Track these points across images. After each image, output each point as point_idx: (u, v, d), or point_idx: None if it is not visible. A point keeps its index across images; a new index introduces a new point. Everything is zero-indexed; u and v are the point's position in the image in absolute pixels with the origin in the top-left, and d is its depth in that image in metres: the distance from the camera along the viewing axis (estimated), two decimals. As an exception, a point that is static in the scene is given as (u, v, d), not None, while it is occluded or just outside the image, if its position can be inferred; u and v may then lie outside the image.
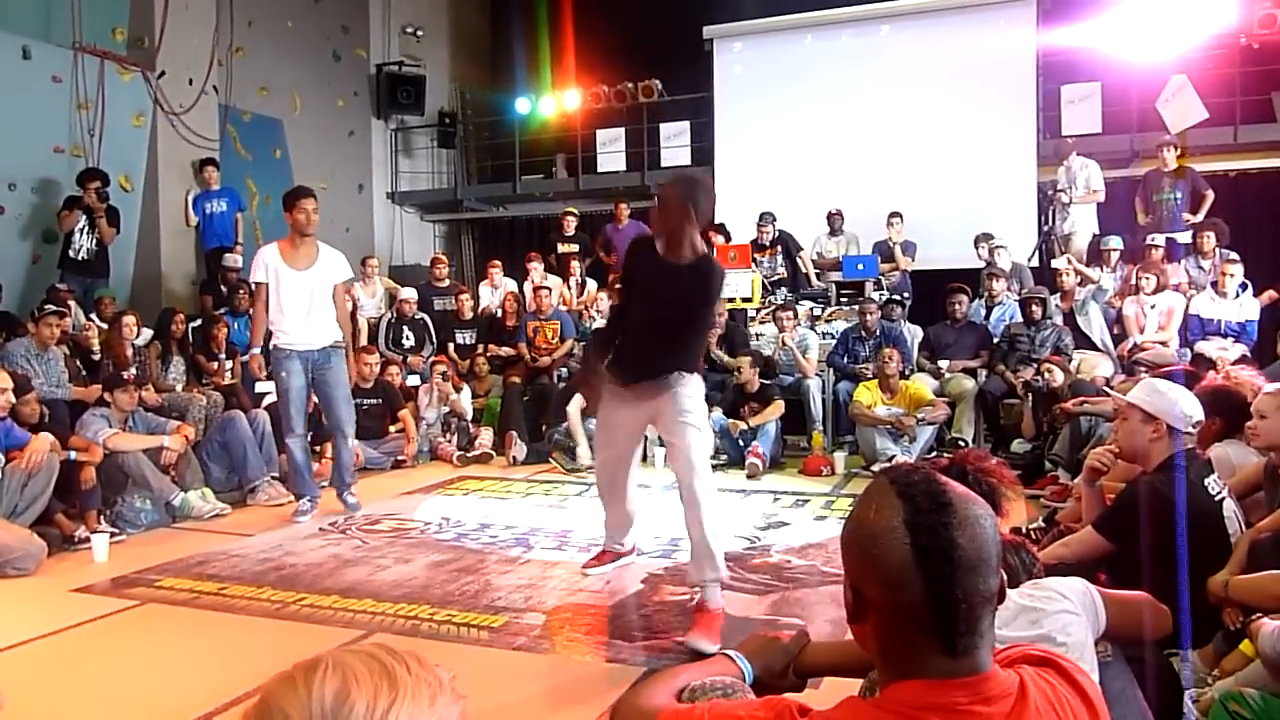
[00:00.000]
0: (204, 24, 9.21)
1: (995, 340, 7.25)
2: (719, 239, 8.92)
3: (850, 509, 1.16)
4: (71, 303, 7.04)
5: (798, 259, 9.11)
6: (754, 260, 8.84)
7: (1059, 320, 7.20)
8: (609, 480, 3.77)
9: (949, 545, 1.03)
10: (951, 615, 1.03)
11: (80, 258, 7.75)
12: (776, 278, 9.02)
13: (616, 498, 3.82)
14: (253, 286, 5.42)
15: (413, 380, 7.83)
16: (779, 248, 9.13)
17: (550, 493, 6.10)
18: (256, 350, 5.46)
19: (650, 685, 1.40)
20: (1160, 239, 7.65)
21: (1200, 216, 8.04)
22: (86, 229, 7.74)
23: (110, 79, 8.48)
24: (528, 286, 9.16)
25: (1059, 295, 7.46)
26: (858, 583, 1.10)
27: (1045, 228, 8.61)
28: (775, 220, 9.15)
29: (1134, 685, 1.86)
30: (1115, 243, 7.93)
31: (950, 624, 1.04)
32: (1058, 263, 7.72)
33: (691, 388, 3.46)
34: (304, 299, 5.24)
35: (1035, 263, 8.62)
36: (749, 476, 6.43)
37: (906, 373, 7.02)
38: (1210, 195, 8.13)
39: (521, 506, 5.68)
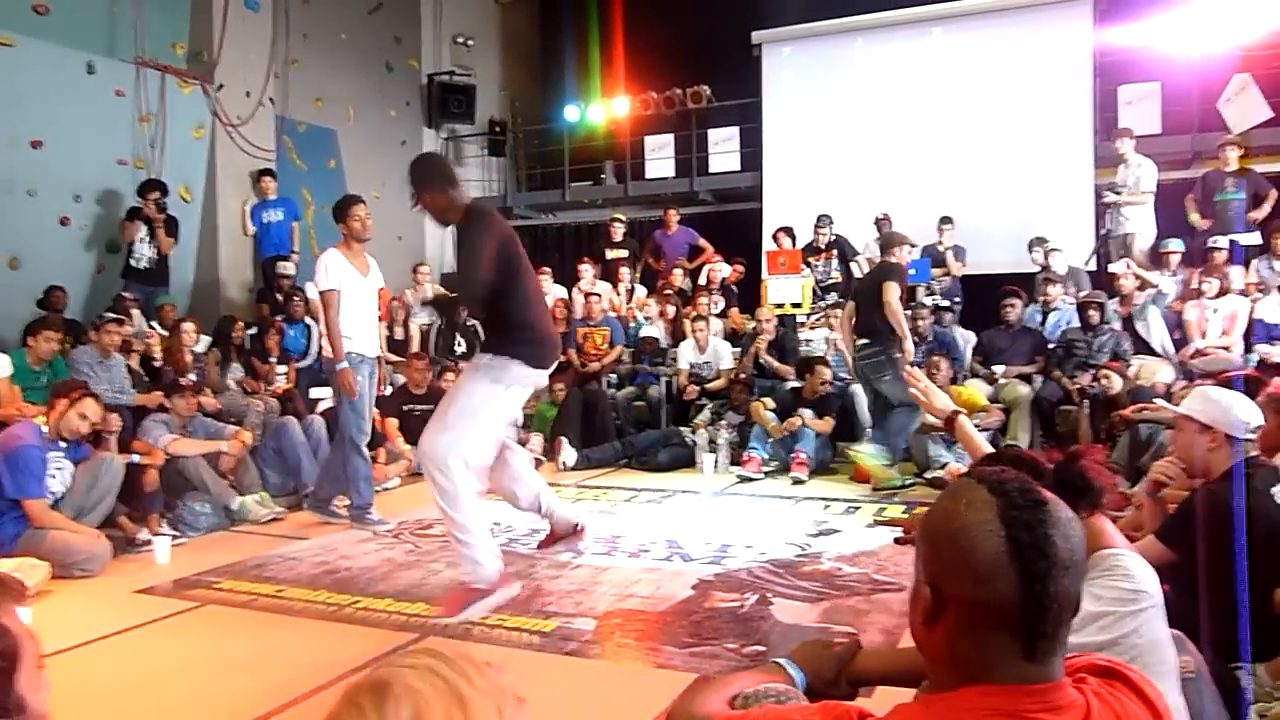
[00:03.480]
0: (261, 37, 9.42)
1: (1051, 346, 7.12)
2: (786, 241, 8.90)
3: (931, 507, 1.14)
4: (135, 311, 7.24)
5: (852, 264, 9.02)
6: (807, 263, 8.79)
7: (1117, 325, 7.05)
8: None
9: (1045, 541, 1.02)
10: (1041, 615, 1.01)
11: (141, 267, 7.96)
12: (830, 282, 8.92)
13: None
14: (318, 294, 5.34)
15: (464, 386, 7.89)
16: (834, 251, 9.03)
17: (600, 498, 6.11)
18: (346, 365, 5.12)
19: (701, 692, 1.39)
20: (1223, 241, 7.45)
21: (1263, 214, 7.82)
22: (147, 239, 7.95)
23: (171, 92, 8.71)
24: (577, 292, 9.21)
25: (1117, 300, 7.30)
26: (939, 579, 1.07)
27: (1103, 231, 8.44)
28: (833, 223, 9.05)
29: (1217, 700, 1.80)
30: (1176, 245, 7.74)
31: (1037, 624, 1.02)
32: (1115, 266, 7.56)
33: (477, 372, 3.60)
34: (368, 304, 5.30)
35: (1093, 266, 8.45)
36: (795, 483, 6.39)
37: (960, 379, 6.92)
38: (1274, 195, 7.90)
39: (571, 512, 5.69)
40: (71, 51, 7.97)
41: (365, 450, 5.36)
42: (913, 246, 7.43)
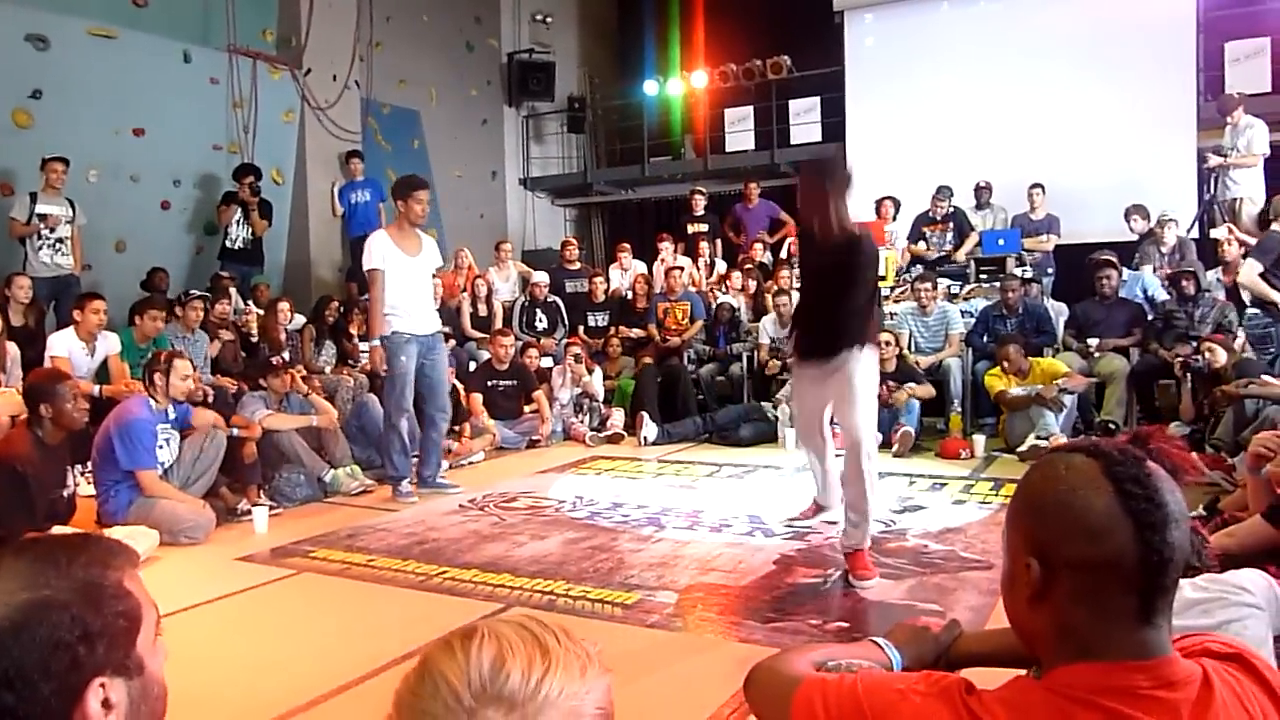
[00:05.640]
0: (345, 21, 9.61)
1: (1150, 318, 6.85)
2: (890, 208, 8.77)
3: (1025, 480, 1.11)
4: (232, 290, 7.51)
5: (966, 239, 8.76)
6: (923, 234, 8.63)
7: (1221, 295, 6.74)
8: (807, 442, 4.11)
9: (1156, 493, 1.01)
10: (1161, 566, 1.00)
11: (237, 248, 8.25)
12: (942, 254, 8.70)
13: (816, 457, 4.14)
14: (366, 274, 5.42)
15: (546, 362, 8.00)
16: (950, 224, 8.79)
17: (681, 473, 6.13)
18: (378, 342, 5.38)
19: (787, 654, 1.39)
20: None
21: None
22: (242, 221, 8.22)
23: (262, 78, 8.97)
24: (658, 266, 9.20)
25: (1220, 268, 6.97)
26: (1045, 548, 1.04)
27: (1207, 196, 8.05)
28: (953, 195, 8.82)
29: None
30: (1287, 211, 7.33)
31: (1157, 577, 1.00)
32: (1218, 232, 7.21)
33: (861, 364, 3.64)
34: (416, 284, 5.40)
35: (1195, 234, 8.08)
36: (896, 455, 6.31)
37: (1049, 352, 6.74)
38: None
39: (653, 486, 5.74)
40: (168, 42, 8.27)
41: (402, 425, 5.45)
42: None
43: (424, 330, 5.43)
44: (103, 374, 5.67)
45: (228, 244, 8.24)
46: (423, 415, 5.63)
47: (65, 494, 4.26)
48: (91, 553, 0.94)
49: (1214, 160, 7.86)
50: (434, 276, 5.76)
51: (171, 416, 4.81)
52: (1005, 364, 6.40)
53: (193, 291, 6.78)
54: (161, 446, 4.70)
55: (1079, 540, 1.02)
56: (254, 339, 7.09)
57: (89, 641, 0.88)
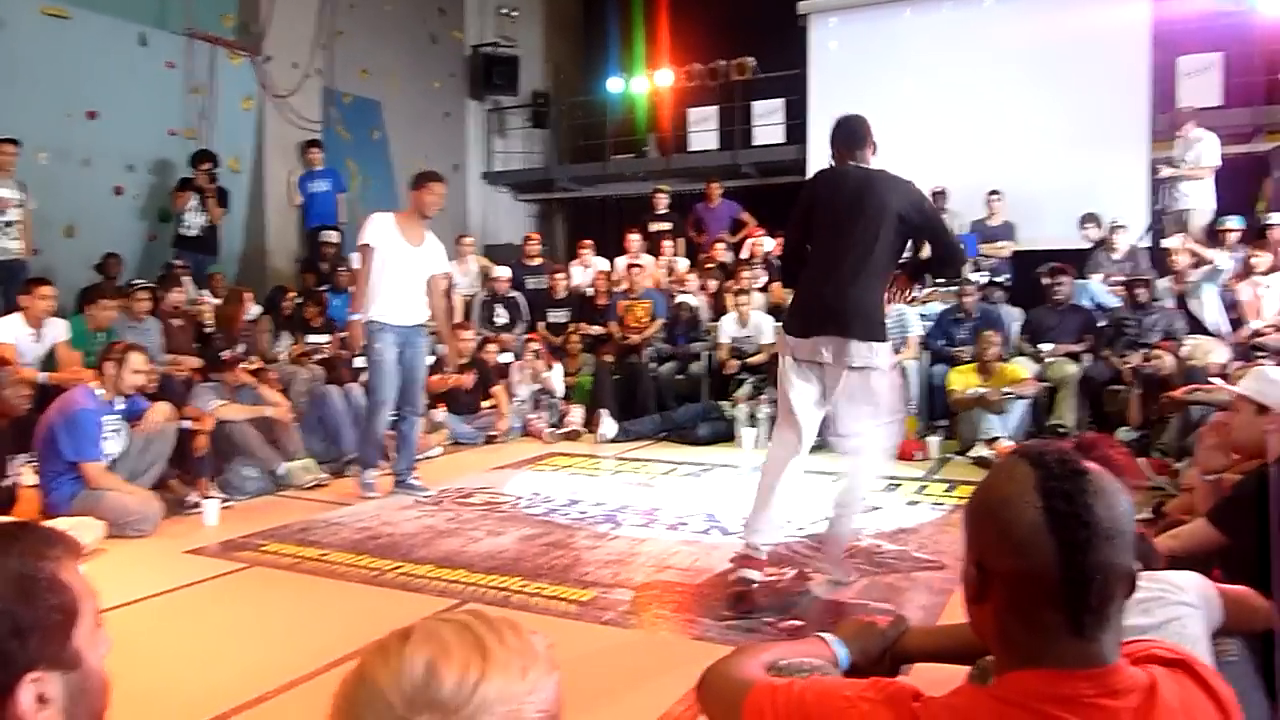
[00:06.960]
0: (307, 8, 9.48)
1: (1101, 325, 6.98)
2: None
3: (977, 486, 1.13)
4: (185, 279, 7.37)
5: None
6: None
7: (1170, 304, 6.88)
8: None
9: (1084, 510, 1.00)
10: (1084, 586, 0.99)
11: (192, 235, 8.11)
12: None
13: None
14: (357, 249, 5.31)
15: (505, 358, 7.95)
16: None
17: (639, 471, 6.14)
18: (359, 316, 5.22)
19: (739, 656, 1.40)
20: (1277, 218, 7.23)
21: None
22: (197, 208, 8.08)
23: (220, 64, 8.82)
24: (621, 262, 9.18)
25: (1170, 277, 7.13)
26: (982, 555, 1.06)
27: (1157, 206, 8.23)
28: None
29: (1259, 688, 1.78)
30: (1234, 222, 7.52)
31: (1081, 597, 0.99)
32: (1168, 242, 7.37)
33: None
34: (409, 275, 5.26)
35: (1147, 243, 8.26)
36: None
37: (1005, 356, 6.84)
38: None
39: (610, 483, 5.74)
40: (124, 24, 8.09)
41: (382, 415, 5.31)
42: None
43: (403, 321, 5.26)
44: (50, 361, 5.54)
45: (182, 231, 8.09)
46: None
47: (6, 484, 4.15)
48: (25, 544, 0.91)
49: (1165, 171, 8.03)
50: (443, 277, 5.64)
51: (120, 407, 4.70)
52: (989, 347, 6.46)
53: (137, 282, 6.61)
54: (108, 438, 4.60)
55: (1007, 553, 1.03)
56: (208, 329, 6.97)
57: (20, 637, 0.85)
